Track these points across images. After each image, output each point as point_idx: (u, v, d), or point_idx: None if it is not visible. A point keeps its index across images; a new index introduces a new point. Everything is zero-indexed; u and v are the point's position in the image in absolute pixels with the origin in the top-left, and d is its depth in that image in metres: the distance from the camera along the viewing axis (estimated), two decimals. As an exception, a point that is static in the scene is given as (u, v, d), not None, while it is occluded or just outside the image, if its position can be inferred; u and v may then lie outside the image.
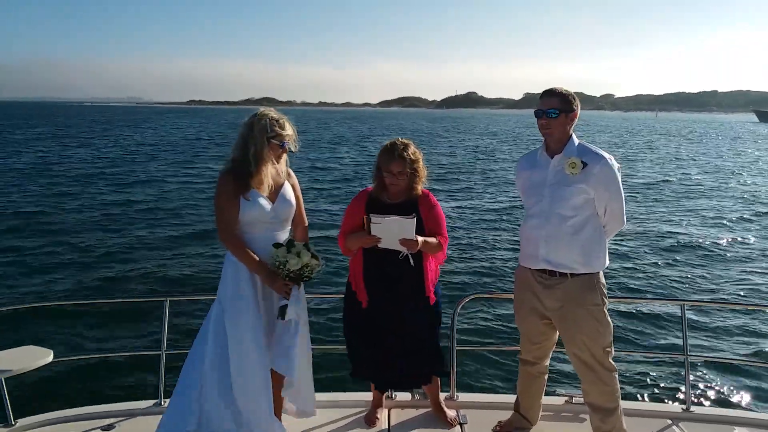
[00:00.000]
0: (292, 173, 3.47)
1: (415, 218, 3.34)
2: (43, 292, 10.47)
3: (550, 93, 3.26)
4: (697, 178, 30.13)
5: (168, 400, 3.89)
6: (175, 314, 8.44)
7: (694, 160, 42.10)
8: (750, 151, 53.27)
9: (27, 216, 17.09)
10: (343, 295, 3.72)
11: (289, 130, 3.27)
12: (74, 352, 7.63)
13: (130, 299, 10.37)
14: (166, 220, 17.23)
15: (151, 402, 3.96)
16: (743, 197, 23.64)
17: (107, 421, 3.73)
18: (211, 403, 3.15)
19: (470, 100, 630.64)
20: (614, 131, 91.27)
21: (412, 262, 3.46)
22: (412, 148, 3.49)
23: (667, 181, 28.60)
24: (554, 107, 3.22)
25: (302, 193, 3.51)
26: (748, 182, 28.55)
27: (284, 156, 3.34)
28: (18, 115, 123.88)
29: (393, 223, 3.32)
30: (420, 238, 3.38)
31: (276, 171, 3.32)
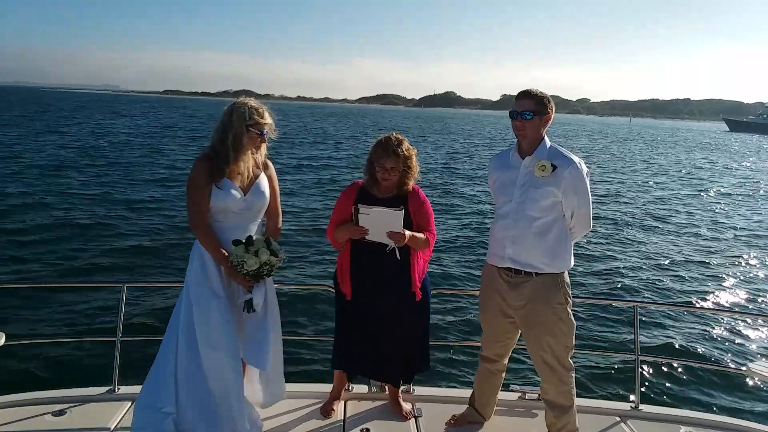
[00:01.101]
0: (271, 164, 3.46)
1: (403, 210, 3.36)
2: (-1, 274, 10.19)
3: (525, 95, 3.29)
4: (662, 183, 30.87)
5: (122, 388, 3.86)
6: (132, 301, 8.33)
7: (659, 165, 43.09)
8: (716, 158, 54.74)
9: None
10: (322, 288, 3.74)
11: (268, 119, 3.26)
12: (27, 335, 7.45)
13: (87, 284, 10.16)
14: (130, 207, 16.92)
15: (104, 389, 3.90)
16: (705, 204, 24.31)
17: (58, 407, 3.66)
18: (184, 391, 3.15)
19: (448, 99, 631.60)
20: (589, 135, 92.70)
21: (398, 255, 3.47)
22: (406, 144, 3.50)
23: (629, 185, 29.23)
24: (529, 109, 3.25)
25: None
26: (711, 190, 29.30)
27: (263, 146, 3.32)
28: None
29: (381, 214, 3.34)
30: (407, 232, 3.40)
31: (254, 161, 3.31)
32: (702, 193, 27.79)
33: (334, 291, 3.74)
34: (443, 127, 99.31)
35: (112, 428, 3.47)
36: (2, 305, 8.43)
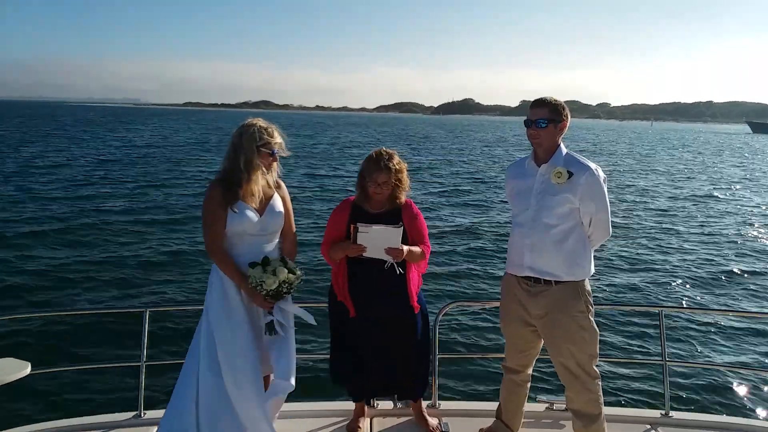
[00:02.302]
0: (283, 184, 3.48)
1: (402, 227, 3.37)
2: (19, 303, 10.30)
3: (540, 103, 3.30)
4: (685, 187, 30.57)
5: (148, 412, 3.87)
6: (155, 325, 8.38)
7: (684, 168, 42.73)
8: (740, 161, 54.06)
9: (3, 223, 16.83)
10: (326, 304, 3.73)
11: (278, 138, 3.29)
12: (52, 364, 7.49)
13: (110, 310, 10.24)
14: (148, 230, 17.06)
15: (130, 414, 3.92)
16: (729, 208, 23.99)
17: None
18: (206, 416, 3.13)
19: (467, 106, 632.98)
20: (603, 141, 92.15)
21: (398, 271, 3.48)
22: (396, 159, 3.52)
23: (653, 189, 28.98)
24: (543, 117, 3.26)
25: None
26: (736, 194, 28.92)
27: (275, 165, 3.35)
28: (11, 114, 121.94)
29: (380, 232, 3.34)
30: (405, 247, 3.40)
31: (266, 182, 3.33)
32: (728, 196, 27.47)
33: (328, 309, 3.71)
34: (463, 132, 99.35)
35: None
36: (26, 335, 8.53)
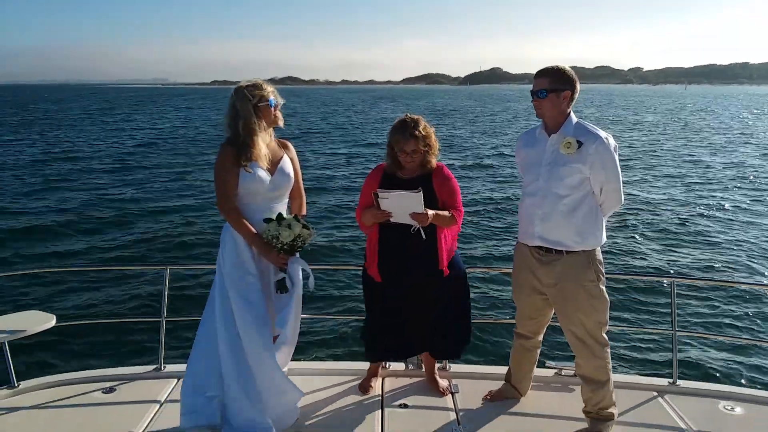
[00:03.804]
0: (290, 144, 3.50)
1: (421, 192, 3.34)
2: (46, 259, 10.58)
3: (541, 73, 3.26)
4: (701, 158, 30.07)
5: (168, 366, 4.01)
6: (175, 282, 8.58)
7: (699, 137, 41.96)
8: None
9: (31, 185, 17.15)
10: (355, 267, 3.78)
11: (268, 87, 3.28)
12: (76, 317, 7.75)
13: (131, 267, 10.47)
14: (168, 190, 17.29)
15: (151, 367, 4.05)
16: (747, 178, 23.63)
17: (108, 384, 3.83)
18: (228, 373, 3.20)
19: (495, 76, 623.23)
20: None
21: (423, 235, 3.48)
22: (422, 124, 3.48)
23: (665, 158, 28.57)
24: (543, 88, 3.22)
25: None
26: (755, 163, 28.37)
27: (279, 115, 3.33)
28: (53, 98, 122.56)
29: (399, 197, 3.36)
30: (430, 212, 3.39)
31: (274, 143, 3.36)
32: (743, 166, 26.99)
33: (362, 272, 3.76)
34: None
35: (161, 402, 3.62)
36: (52, 289, 8.78)
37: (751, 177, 22.97)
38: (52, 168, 21.28)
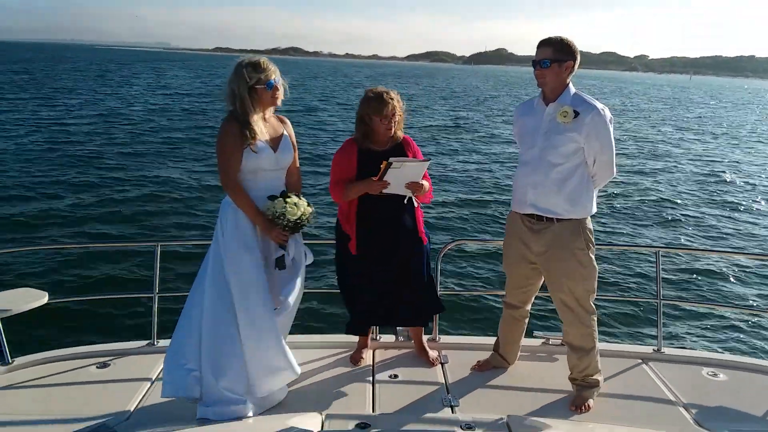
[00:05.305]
0: (287, 120, 3.49)
1: (429, 161, 3.50)
2: (38, 236, 10.53)
3: (544, 43, 3.29)
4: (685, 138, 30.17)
5: (160, 341, 4.05)
6: (166, 258, 8.59)
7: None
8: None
9: (23, 161, 16.98)
10: (333, 241, 3.82)
11: (269, 67, 3.22)
12: (69, 294, 7.76)
13: (123, 243, 10.46)
14: (158, 166, 17.19)
15: (144, 342, 4.07)
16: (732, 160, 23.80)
17: (102, 360, 3.85)
18: (208, 350, 3.20)
19: (500, 56, 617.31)
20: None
21: (415, 204, 3.62)
22: (393, 92, 3.57)
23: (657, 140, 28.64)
24: (546, 58, 3.25)
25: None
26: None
27: (279, 95, 3.29)
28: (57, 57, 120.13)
29: (411, 167, 3.43)
30: (424, 181, 3.52)
31: (271, 116, 3.34)
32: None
33: (336, 245, 3.79)
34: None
35: (153, 378, 3.66)
36: (44, 266, 8.77)
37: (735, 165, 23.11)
38: (40, 139, 20.96)
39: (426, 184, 3.57)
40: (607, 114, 3.28)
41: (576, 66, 3.31)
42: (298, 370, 3.38)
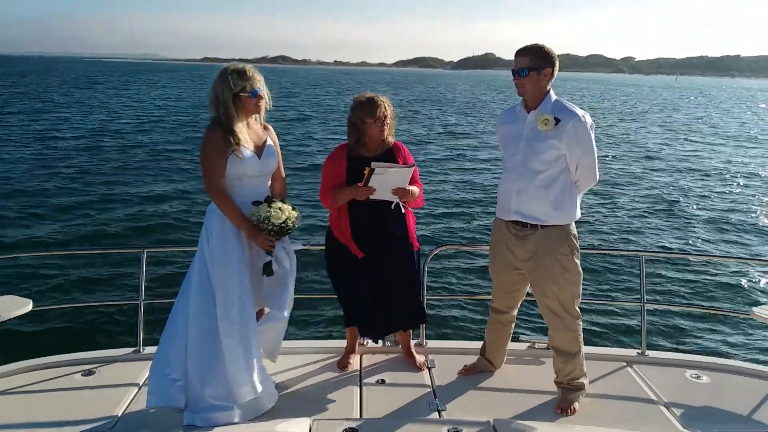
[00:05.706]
0: (271, 128, 3.50)
1: (414, 167, 3.51)
2: (22, 243, 10.43)
3: (521, 52, 3.32)
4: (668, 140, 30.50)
5: (146, 348, 4.03)
6: (152, 265, 8.54)
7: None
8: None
9: (6, 169, 16.83)
10: (322, 248, 3.83)
11: (254, 75, 3.23)
12: (54, 301, 7.70)
13: (108, 250, 10.39)
14: (144, 174, 17.09)
15: (130, 349, 4.05)
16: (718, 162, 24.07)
17: (87, 367, 3.82)
18: (194, 359, 3.20)
19: (488, 60, 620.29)
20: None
21: (403, 210, 3.63)
22: (383, 97, 3.61)
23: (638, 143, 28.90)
24: (524, 66, 3.28)
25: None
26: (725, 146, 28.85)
27: (263, 105, 3.30)
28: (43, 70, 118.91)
29: (395, 173, 3.44)
30: (411, 187, 3.54)
31: (255, 123, 3.35)
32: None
33: (326, 252, 3.81)
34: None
35: (139, 385, 3.64)
36: (29, 274, 8.69)
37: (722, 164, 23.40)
38: (26, 148, 20.81)
39: (415, 189, 3.60)
40: (588, 120, 3.31)
41: (555, 72, 3.33)
42: (260, 388, 3.26)
